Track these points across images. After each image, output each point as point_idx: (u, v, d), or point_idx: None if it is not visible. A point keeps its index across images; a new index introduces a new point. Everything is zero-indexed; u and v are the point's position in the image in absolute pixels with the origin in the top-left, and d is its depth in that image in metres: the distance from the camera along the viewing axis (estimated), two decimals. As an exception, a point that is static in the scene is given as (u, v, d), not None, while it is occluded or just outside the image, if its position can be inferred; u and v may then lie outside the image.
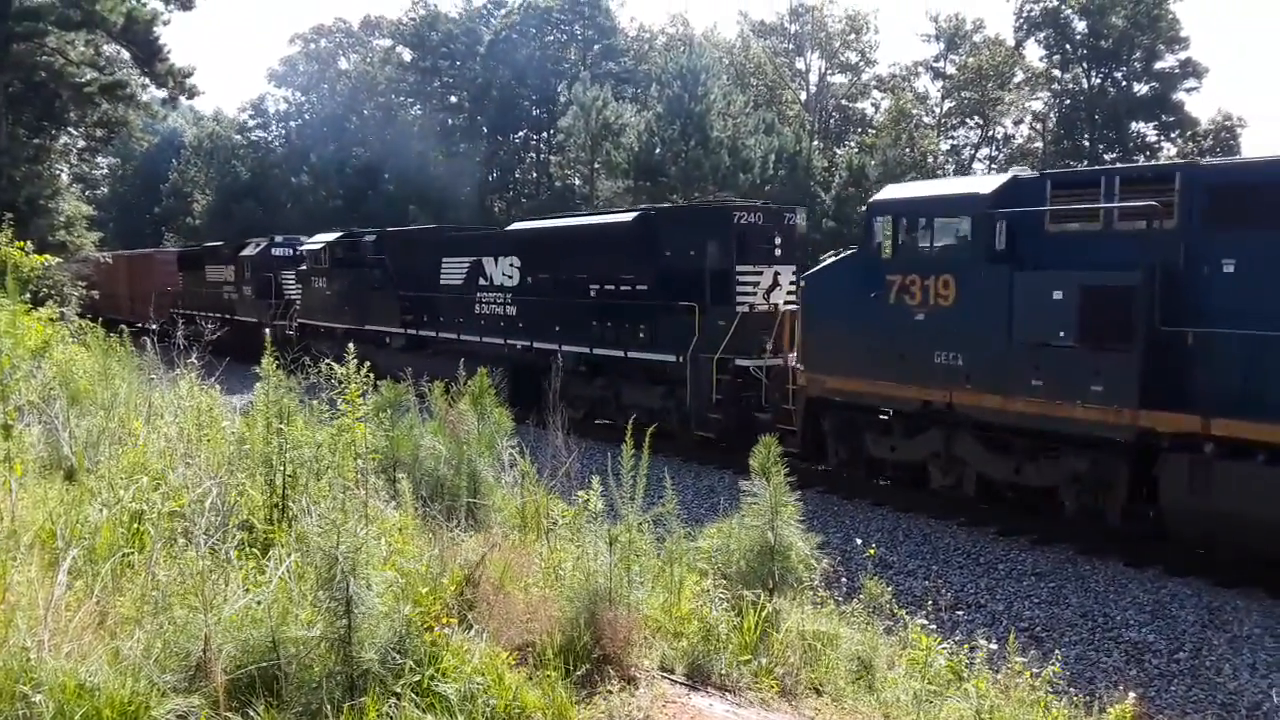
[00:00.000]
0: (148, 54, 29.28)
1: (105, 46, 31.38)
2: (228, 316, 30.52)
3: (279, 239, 31.55)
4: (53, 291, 21.56)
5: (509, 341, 18.91)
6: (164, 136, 67.87)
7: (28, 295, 11.90)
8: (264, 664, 3.93)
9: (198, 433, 7.04)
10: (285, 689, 3.92)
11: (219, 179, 63.73)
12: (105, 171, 71.93)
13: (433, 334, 21.50)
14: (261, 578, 4.53)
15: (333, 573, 4.04)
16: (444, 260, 21.30)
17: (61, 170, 35.40)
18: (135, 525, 5.07)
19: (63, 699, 3.49)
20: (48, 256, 15.79)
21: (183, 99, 34.48)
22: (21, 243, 14.57)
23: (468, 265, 20.55)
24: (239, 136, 69.11)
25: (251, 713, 3.72)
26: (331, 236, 26.47)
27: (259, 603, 4.16)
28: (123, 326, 12.15)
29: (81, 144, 36.83)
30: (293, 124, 70.01)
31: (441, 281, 21.31)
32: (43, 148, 31.25)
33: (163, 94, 32.91)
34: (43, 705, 3.45)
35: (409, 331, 22.22)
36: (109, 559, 4.59)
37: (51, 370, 9.10)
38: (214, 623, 3.92)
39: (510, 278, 19.26)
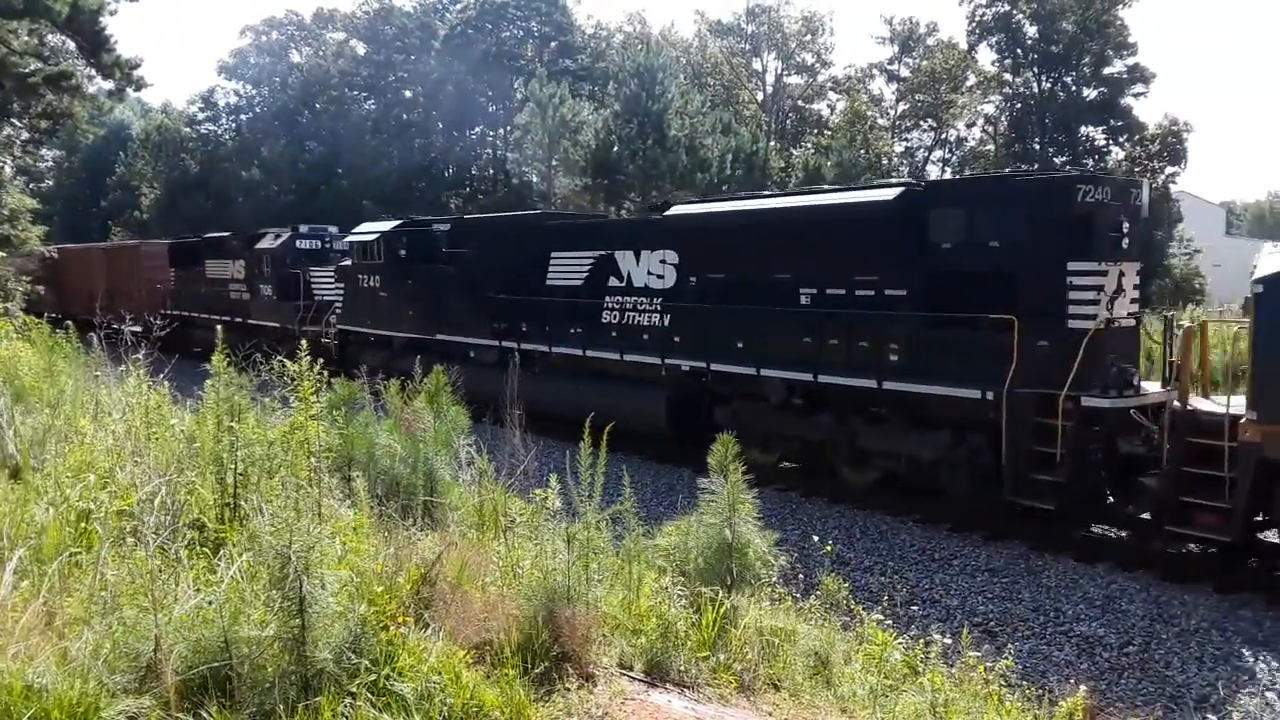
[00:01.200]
0: (93, 44, 28.64)
1: (50, 36, 30.66)
2: (238, 320, 26.55)
3: (304, 229, 26.91)
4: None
5: (667, 360, 14.77)
6: (110, 129, 66.48)
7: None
8: (216, 664, 3.87)
9: (146, 430, 6.90)
10: (238, 689, 3.86)
11: (167, 172, 62.57)
12: (50, 164, 70.40)
13: (542, 348, 17.00)
14: (213, 577, 4.45)
15: (285, 572, 3.98)
16: (553, 255, 17.14)
17: (4, 163, 34.57)
18: (83, 524, 4.97)
19: (9, 701, 3.42)
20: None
21: (130, 91, 33.73)
22: (-38, 236, 14.21)
23: (590, 262, 16.35)
24: (188, 129, 67.91)
25: (204, 713, 3.66)
26: (387, 225, 21.81)
27: (210, 602, 4.09)
28: (69, 323, 11.80)
29: (25, 136, 35.93)
30: (243, 117, 68.88)
31: (549, 282, 17.12)
32: (-15, 139, 30.52)
33: (109, 85, 32.23)
34: (-13, 709, 3.36)
35: (503, 344, 17.75)
36: (56, 559, 4.49)
37: (-6, 367, 8.88)
38: (164, 623, 3.84)
39: (661, 278, 15.05)
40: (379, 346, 21.00)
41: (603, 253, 16.21)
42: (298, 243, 26.12)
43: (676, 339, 14.75)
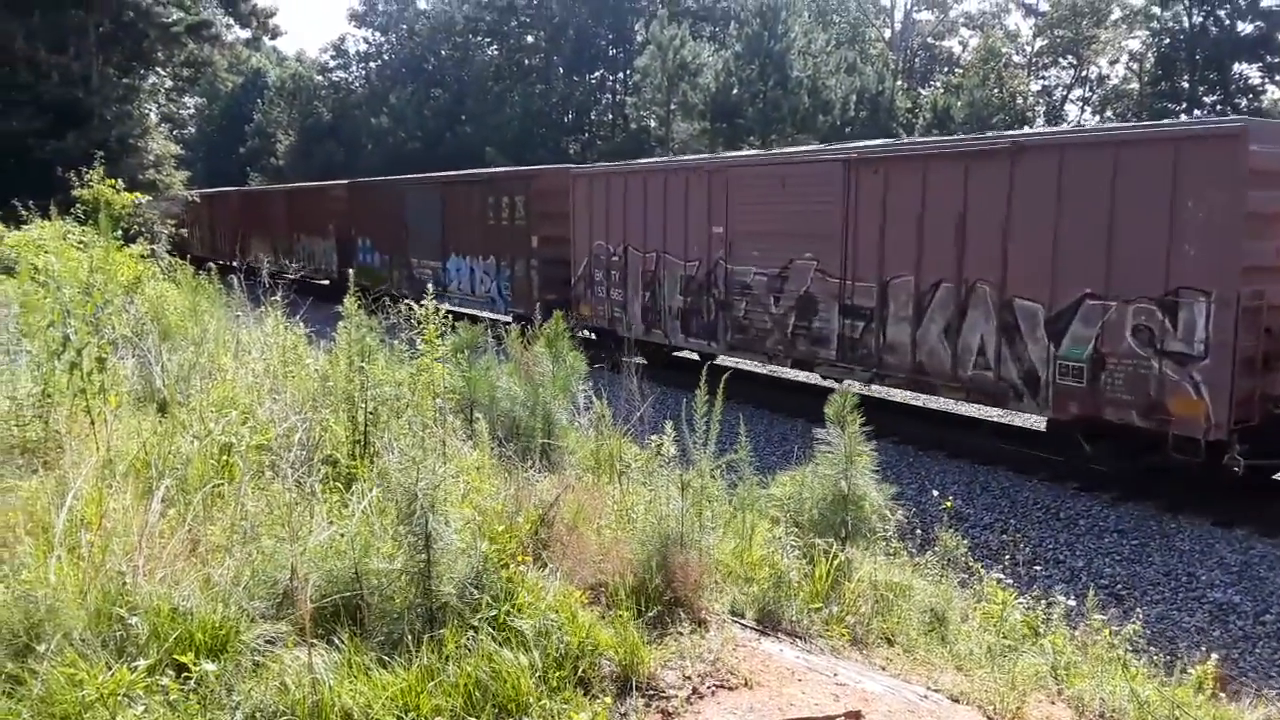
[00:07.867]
0: (232, -7, 29.67)
1: (190, -14, 31.85)
2: None
3: None
4: (143, 229, 22.18)
5: None
6: (248, 77, 68.97)
7: (119, 232, 12.23)
8: (347, 594, 4.04)
9: (284, 369, 7.21)
10: (368, 618, 4.03)
11: (301, 120, 64.63)
12: (192, 111, 73.50)
13: None
14: (345, 511, 4.65)
15: (412, 508, 4.11)
16: None
17: (150, 110, 36.14)
18: (225, 457, 5.22)
19: (157, 622, 3.63)
20: (138, 194, 16.23)
21: (266, 39, 34.94)
22: (112, 180, 14.98)
23: None
24: (320, 77, 69.83)
25: (336, 640, 3.83)
26: None
27: (342, 535, 4.27)
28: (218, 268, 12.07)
29: (169, 84, 37.53)
30: (372, 65, 70.45)
31: None
32: (131, 87, 31.93)
33: (246, 34, 33.37)
34: (139, 627, 3.59)
35: None
36: (200, 489, 4.74)
37: (143, 306, 9.38)
38: (300, 553, 4.03)
39: None
40: None
41: None
42: None
43: None
